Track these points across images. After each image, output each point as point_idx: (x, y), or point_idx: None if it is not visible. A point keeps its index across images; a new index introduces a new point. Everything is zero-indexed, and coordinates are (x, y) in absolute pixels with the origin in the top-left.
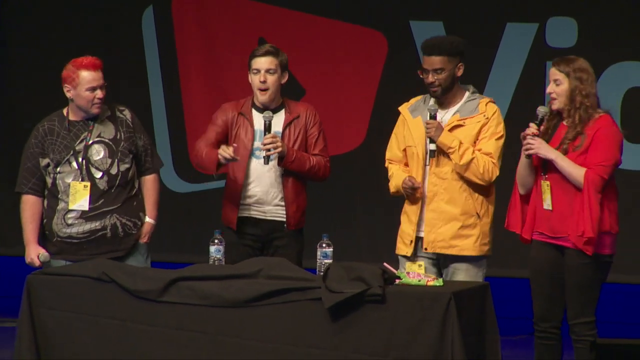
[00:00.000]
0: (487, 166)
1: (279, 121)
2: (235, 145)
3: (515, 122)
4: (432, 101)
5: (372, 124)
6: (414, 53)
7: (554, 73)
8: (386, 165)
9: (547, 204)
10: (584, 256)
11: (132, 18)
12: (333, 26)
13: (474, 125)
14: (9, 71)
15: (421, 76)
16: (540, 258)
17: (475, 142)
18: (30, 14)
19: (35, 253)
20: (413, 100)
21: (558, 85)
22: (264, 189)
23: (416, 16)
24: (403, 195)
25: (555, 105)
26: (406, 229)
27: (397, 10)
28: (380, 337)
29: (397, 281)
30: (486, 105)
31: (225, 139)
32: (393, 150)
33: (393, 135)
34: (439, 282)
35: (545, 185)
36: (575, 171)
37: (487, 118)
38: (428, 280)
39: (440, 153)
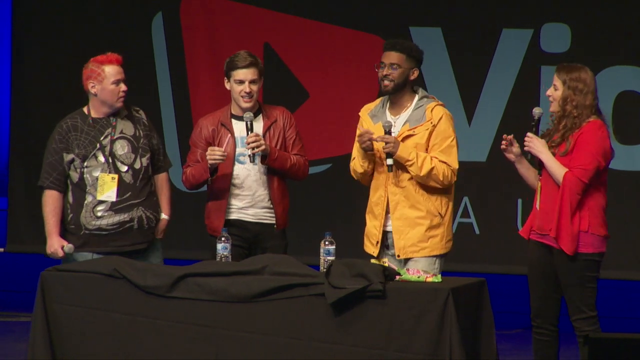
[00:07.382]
0: (445, 173)
1: (258, 126)
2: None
3: (510, 125)
4: (387, 115)
5: None
6: None
7: (554, 78)
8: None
9: (537, 203)
10: (566, 255)
11: (142, 24)
12: (336, 32)
13: (422, 134)
14: (22, 76)
15: (377, 70)
16: (533, 257)
17: (426, 150)
18: (42, 19)
19: (58, 244)
20: (372, 105)
21: (555, 90)
22: (251, 192)
23: (415, 22)
24: (367, 175)
25: (551, 108)
26: (372, 229)
27: (397, 16)
28: (380, 331)
29: (397, 277)
30: (432, 111)
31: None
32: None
33: (356, 143)
34: (437, 279)
35: (539, 185)
36: (558, 171)
37: (434, 125)
38: (427, 277)
39: (397, 165)
